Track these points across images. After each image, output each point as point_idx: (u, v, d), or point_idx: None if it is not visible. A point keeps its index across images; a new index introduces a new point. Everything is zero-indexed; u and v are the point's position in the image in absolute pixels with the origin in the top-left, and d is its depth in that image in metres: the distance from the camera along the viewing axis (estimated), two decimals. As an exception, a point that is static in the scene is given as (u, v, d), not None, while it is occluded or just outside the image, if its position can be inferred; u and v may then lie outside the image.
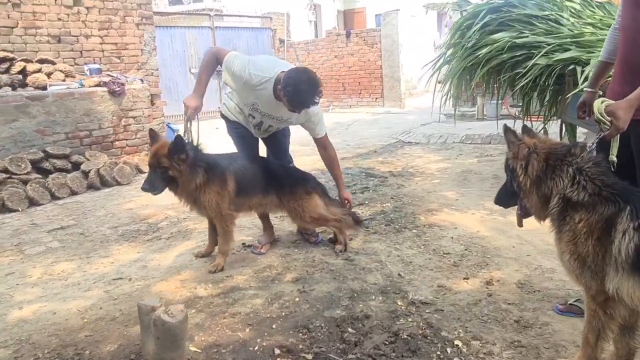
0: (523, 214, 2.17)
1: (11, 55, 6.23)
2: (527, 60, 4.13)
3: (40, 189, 5.34)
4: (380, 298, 2.89)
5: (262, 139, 3.82)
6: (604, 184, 1.84)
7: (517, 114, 6.69)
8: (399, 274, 3.19)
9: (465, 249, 3.55)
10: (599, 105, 1.98)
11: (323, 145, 3.70)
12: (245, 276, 3.30)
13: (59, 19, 6.82)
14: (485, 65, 4.36)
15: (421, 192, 5.12)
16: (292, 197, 3.55)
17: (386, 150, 7.77)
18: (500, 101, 6.33)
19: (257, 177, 3.50)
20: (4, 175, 5.30)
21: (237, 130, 3.69)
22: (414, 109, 12.77)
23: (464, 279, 3.08)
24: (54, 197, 5.44)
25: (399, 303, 2.81)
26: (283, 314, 2.77)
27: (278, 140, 3.83)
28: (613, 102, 1.98)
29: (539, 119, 4.84)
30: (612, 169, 2.01)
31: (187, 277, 3.33)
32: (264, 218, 3.83)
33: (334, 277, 3.20)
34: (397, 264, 3.37)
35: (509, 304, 2.73)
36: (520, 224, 2.29)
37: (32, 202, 5.23)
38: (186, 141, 3.29)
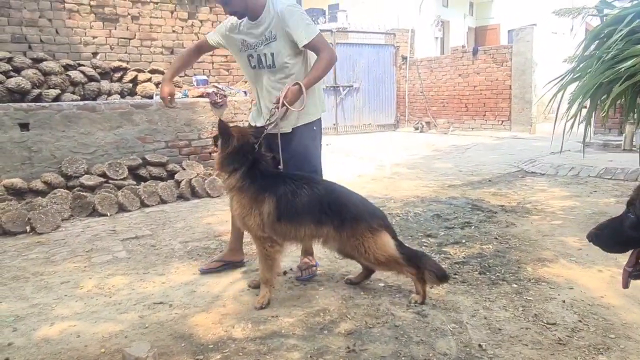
0: (638, 274, 1.46)
1: (125, 65, 6.52)
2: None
3: (131, 196, 5.39)
4: (447, 377, 2.20)
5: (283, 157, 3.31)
6: None
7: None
8: (479, 345, 2.45)
9: (580, 321, 2.68)
10: None
11: (316, 52, 3.11)
12: (293, 319, 2.80)
13: (174, 32, 7.04)
14: (627, 80, 3.40)
15: (535, 235, 4.21)
16: (353, 234, 2.93)
17: (503, 180, 6.80)
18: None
19: (310, 204, 2.92)
20: (101, 180, 5.45)
21: None
22: (547, 135, 11.29)
23: (571, 366, 2.26)
24: (143, 205, 5.47)
25: (470, 390, 2.10)
26: (317, 379, 2.22)
27: (297, 153, 3.28)
28: None
29: None
30: None
31: (230, 311, 2.92)
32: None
33: (396, 337, 2.56)
34: (481, 329, 2.62)
35: (633, 420, 1.88)
36: (626, 285, 1.63)
37: (122, 208, 5.29)
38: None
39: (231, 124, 3.07)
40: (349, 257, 3.25)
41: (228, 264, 3.59)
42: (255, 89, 3.40)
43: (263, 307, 2.92)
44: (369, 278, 3.28)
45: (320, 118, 3.42)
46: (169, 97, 3.35)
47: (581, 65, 3.98)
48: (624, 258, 3.39)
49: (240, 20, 3.23)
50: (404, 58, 14.63)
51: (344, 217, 2.93)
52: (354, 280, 3.28)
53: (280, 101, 2.98)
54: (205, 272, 3.51)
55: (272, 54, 3.17)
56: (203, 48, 3.62)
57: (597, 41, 3.92)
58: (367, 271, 3.26)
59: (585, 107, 4.11)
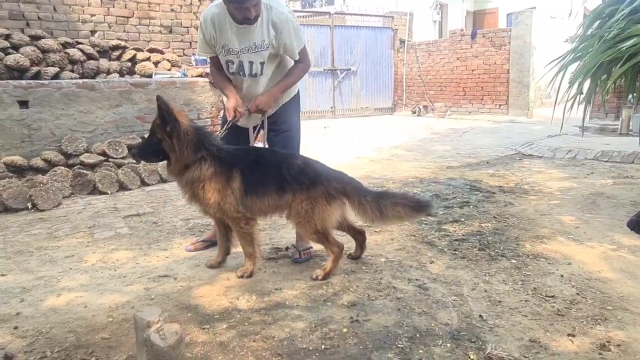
0: None
1: (123, 44, 6.47)
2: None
3: (131, 174, 5.40)
4: (449, 345, 2.25)
5: (268, 140, 3.37)
6: None
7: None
8: (480, 316, 2.50)
9: (578, 294, 2.74)
10: None
11: (300, 61, 3.17)
12: (296, 291, 2.85)
13: (172, 10, 6.98)
14: (628, 60, 3.43)
15: (532, 214, 4.26)
16: (307, 197, 2.88)
17: (500, 162, 6.84)
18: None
19: (272, 173, 2.92)
20: (101, 158, 5.45)
21: (225, 123, 3.34)
22: (544, 119, 11.35)
23: (569, 335, 2.31)
24: (143, 183, 5.48)
25: (472, 356, 2.15)
26: (322, 347, 2.26)
27: (282, 140, 3.34)
28: None
29: None
30: None
31: (234, 284, 2.96)
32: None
33: (398, 308, 2.61)
34: (481, 301, 2.68)
35: (630, 384, 1.95)
36: None
37: (122, 187, 5.30)
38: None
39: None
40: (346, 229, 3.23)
41: (214, 244, 3.56)
42: (223, 61, 3.25)
43: (243, 277, 2.99)
44: (364, 249, 3.31)
45: (298, 92, 3.46)
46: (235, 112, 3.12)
47: (582, 45, 3.99)
48: (620, 235, 3.47)
49: (224, 20, 3.02)
50: (402, 41, 14.56)
51: (302, 181, 2.90)
52: (354, 255, 3.32)
53: (252, 108, 3.07)
54: (191, 251, 3.50)
55: (262, 63, 3.11)
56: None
57: (598, 21, 3.94)
58: (359, 243, 3.29)
59: (582, 93, 4.14)
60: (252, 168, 2.92)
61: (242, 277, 3.00)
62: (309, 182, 2.91)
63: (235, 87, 3.25)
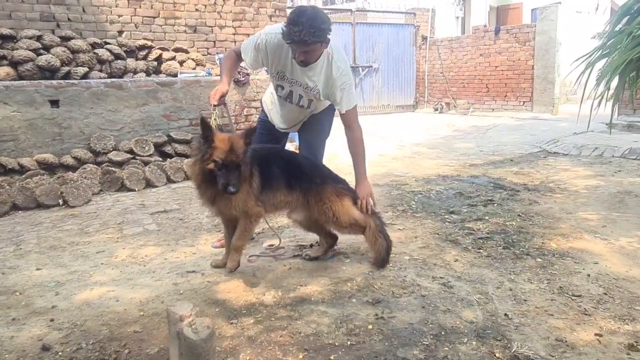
0: None
1: (150, 44, 6.59)
2: None
3: (157, 171, 5.51)
4: (474, 343, 2.26)
5: (298, 134, 3.54)
6: None
7: None
8: (505, 314, 2.51)
9: (605, 293, 2.72)
10: None
11: (347, 124, 3.19)
12: (321, 287, 2.89)
13: (197, 10, 7.08)
14: (658, 57, 3.37)
15: (558, 212, 4.22)
16: (320, 199, 3.04)
17: (524, 160, 6.77)
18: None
19: (281, 170, 3.04)
20: (129, 156, 5.58)
21: (263, 122, 3.51)
22: (570, 115, 11.14)
23: (597, 335, 2.30)
24: (169, 181, 5.59)
25: (497, 354, 2.16)
26: (348, 342, 2.30)
27: (311, 135, 3.47)
28: None
29: None
30: None
31: (260, 280, 3.02)
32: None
33: (423, 306, 2.63)
34: (506, 300, 2.68)
35: (659, 384, 1.94)
36: None
37: (149, 184, 5.42)
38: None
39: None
40: (314, 228, 3.28)
41: None
42: (276, 101, 3.37)
43: (232, 272, 2.95)
44: (333, 248, 3.36)
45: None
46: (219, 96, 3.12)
47: (611, 41, 3.93)
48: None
49: (287, 47, 2.98)
50: (424, 38, 14.45)
51: (311, 181, 3.05)
52: (312, 255, 3.33)
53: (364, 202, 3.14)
54: (217, 248, 3.54)
55: (310, 101, 3.24)
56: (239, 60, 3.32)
57: (627, 17, 3.87)
58: (329, 245, 3.34)
59: (609, 89, 4.07)
60: (265, 163, 2.99)
61: (232, 271, 2.93)
62: (317, 183, 3.06)
63: (276, 105, 3.39)
